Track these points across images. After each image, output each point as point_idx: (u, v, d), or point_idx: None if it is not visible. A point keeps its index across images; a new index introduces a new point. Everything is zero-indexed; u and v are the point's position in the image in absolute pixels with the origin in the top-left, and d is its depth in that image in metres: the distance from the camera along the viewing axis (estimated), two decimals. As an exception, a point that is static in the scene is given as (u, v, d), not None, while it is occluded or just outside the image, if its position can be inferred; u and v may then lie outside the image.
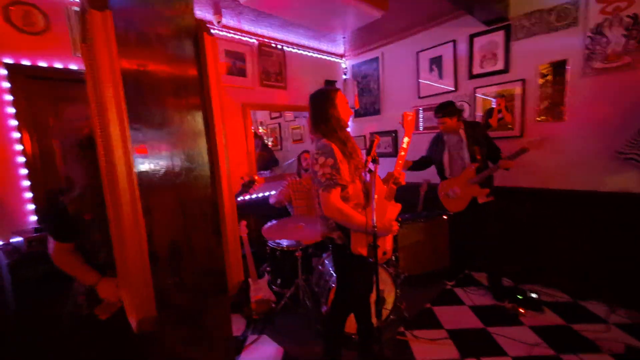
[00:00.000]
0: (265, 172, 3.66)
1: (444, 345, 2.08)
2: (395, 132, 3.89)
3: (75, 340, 1.32)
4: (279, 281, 2.64)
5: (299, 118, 3.98)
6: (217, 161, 0.88)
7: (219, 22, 2.70)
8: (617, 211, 2.36)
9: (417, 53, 3.50)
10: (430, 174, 3.03)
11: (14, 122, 2.03)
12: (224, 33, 3.08)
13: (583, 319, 2.26)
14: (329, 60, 4.17)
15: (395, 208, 1.61)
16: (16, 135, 2.03)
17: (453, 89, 3.25)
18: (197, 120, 0.86)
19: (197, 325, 0.90)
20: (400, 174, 1.60)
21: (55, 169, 2.21)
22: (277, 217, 2.86)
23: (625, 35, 2.22)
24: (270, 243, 2.65)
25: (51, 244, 1.23)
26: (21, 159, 2.06)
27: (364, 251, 1.48)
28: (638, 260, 2.28)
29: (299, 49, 3.76)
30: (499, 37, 2.85)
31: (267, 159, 3.74)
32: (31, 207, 2.10)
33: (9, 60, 2.00)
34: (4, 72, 1.99)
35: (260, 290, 2.49)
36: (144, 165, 0.76)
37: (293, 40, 3.60)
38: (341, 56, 4.30)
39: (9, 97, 2.01)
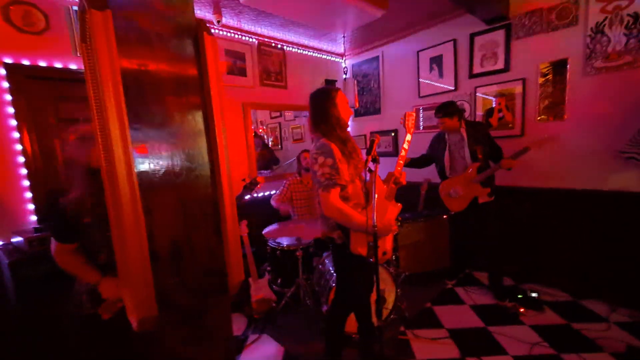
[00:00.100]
0: (266, 171, 3.66)
1: (445, 345, 2.08)
2: (396, 131, 3.89)
3: (77, 339, 1.32)
4: (279, 280, 2.64)
5: (299, 117, 3.97)
6: (217, 161, 0.88)
7: (219, 22, 2.70)
8: (618, 210, 2.35)
9: (418, 52, 3.49)
10: (430, 173, 3.02)
11: (13, 122, 2.03)
12: (224, 32, 3.07)
13: (583, 318, 2.26)
14: (329, 59, 4.17)
15: (395, 208, 1.61)
16: (16, 135, 2.03)
17: (453, 88, 3.25)
18: (197, 119, 0.86)
19: (198, 325, 0.90)
20: (401, 174, 1.60)
21: (55, 169, 2.21)
22: (278, 220, 2.87)
23: (626, 34, 2.22)
24: (271, 243, 2.65)
25: (53, 244, 1.24)
26: (21, 159, 2.06)
27: (363, 251, 1.48)
28: (639, 259, 2.28)
29: (299, 49, 3.76)
30: (499, 36, 2.85)
31: (267, 159, 3.74)
32: (31, 207, 2.10)
33: (8, 60, 2.00)
34: (4, 71, 1.99)
35: (261, 290, 2.49)
36: (144, 165, 0.76)
37: (293, 39, 3.59)
38: (341, 55, 4.30)
39: (8, 97, 2.01)
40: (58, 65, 2.17)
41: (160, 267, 0.79)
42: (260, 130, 3.63)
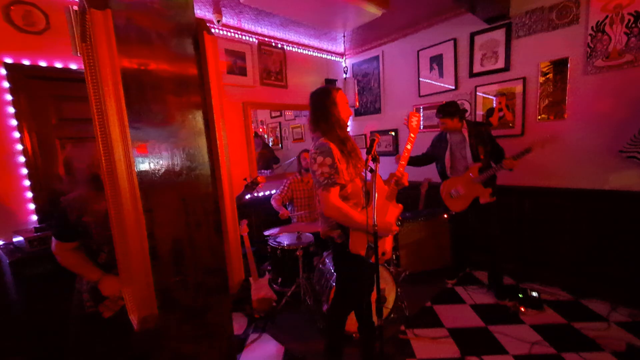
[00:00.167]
0: (266, 171, 3.66)
1: (445, 344, 2.08)
2: (396, 130, 3.88)
3: (79, 337, 1.32)
4: (279, 280, 2.64)
5: (299, 117, 3.97)
6: (217, 160, 0.88)
7: (219, 21, 2.70)
8: (619, 209, 2.35)
9: (418, 51, 3.49)
10: (431, 173, 3.02)
11: (14, 122, 2.03)
12: (224, 32, 3.07)
13: (584, 317, 2.26)
14: (330, 59, 4.17)
15: (396, 209, 1.61)
16: (16, 134, 2.04)
17: (453, 87, 3.25)
18: (198, 119, 0.86)
19: (199, 324, 0.91)
20: (403, 174, 1.59)
21: (56, 169, 2.22)
22: (278, 220, 2.89)
23: (627, 32, 2.21)
24: (271, 242, 2.66)
25: (53, 242, 1.25)
26: (22, 159, 2.06)
27: (362, 251, 1.48)
28: (639, 259, 2.28)
29: (299, 48, 3.75)
30: (499, 35, 2.84)
31: (267, 158, 3.74)
32: (32, 206, 2.10)
33: (9, 60, 2.00)
34: (5, 71, 1.99)
35: (262, 289, 2.49)
36: (145, 164, 0.76)
37: (293, 39, 3.59)
38: (341, 55, 4.29)
39: (9, 97, 2.01)
40: (58, 65, 2.17)
41: (161, 266, 0.79)
42: (261, 130, 3.64)
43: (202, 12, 2.72)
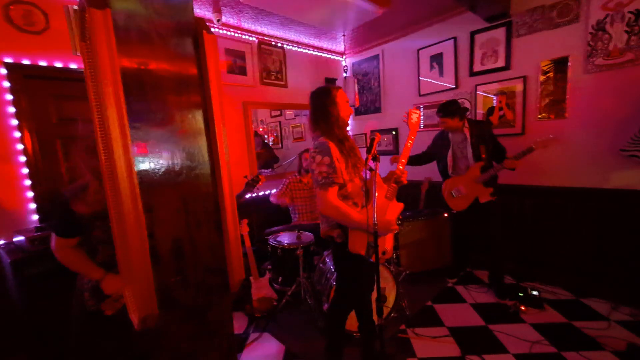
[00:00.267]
0: (266, 170, 3.66)
1: (446, 343, 2.08)
2: (396, 130, 3.88)
3: (80, 336, 1.32)
4: (280, 279, 2.64)
5: (299, 116, 3.97)
6: (217, 159, 0.88)
7: (218, 21, 2.70)
8: (619, 208, 2.35)
9: (418, 50, 3.48)
10: (430, 171, 3.02)
11: (14, 122, 2.03)
12: (224, 31, 3.07)
13: (584, 316, 2.25)
14: (330, 58, 4.16)
15: (396, 207, 1.60)
16: (17, 134, 2.04)
17: (454, 86, 3.24)
18: (197, 118, 0.86)
19: (200, 323, 0.91)
20: (403, 172, 1.59)
21: (57, 168, 2.22)
22: (279, 220, 2.89)
23: (628, 31, 2.21)
24: (272, 241, 2.66)
25: (53, 239, 1.23)
26: (22, 158, 2.06)
27: (362, 250, 1.48)
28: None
29: (299, 47, 3.75)
30: (500, 33, 2.84)
31: (267, 158, 3.73)
32: (33, 206, 2.10)
33: (9, 60, 2.00)
34: (5, 71, 1.99)
35: (262, 289, 2.49)
36: (145, 163, 0.76)
37: (293, 38, 3.59)
38: (341, 54, 4.29)
39: (9, 97, 2.01)
40: (58, 64, 2.17)
41: (162, 265, 0.79)
42: (261, 129, 3.63)
43: (201, 11, 2.72)
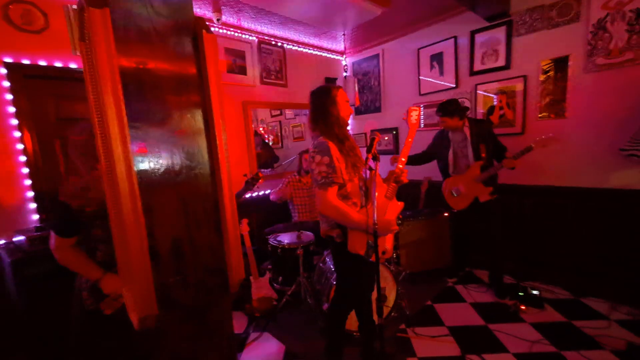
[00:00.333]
0: (266, 170, 3.66)
1: (445, 342, 2.08)
2: (396, 129, 3.88)
3: (80, 335, 1.33)
4: (280, 279, 2.64)
5: (299, 116, 3.97)
6: (217, 159, 0.88)
7: (218, 20, 2.69)
8: (619, 208, 2.35)
9: (418, 50, 3.48)
10: (430, 171, 3.02)
11: (14, 121, 2.03)
12: (224, 31, 3.07)
13: (584, 315, 2.26)
14: (330, 57, 4.16)
15: (396, 207, 1.60)
16: (17, 134, 2.04)
17: (454, 85, 3.24)
18: (197, 118, 0.86)
19: (199, 323, 0.91)
20: (403, 172, 1.59)
21: (56, 168, 2.22)
22: (278, 220, 2.89)
23: (628, 30, 2.20)
24: (272, 241, 2.66)
25: (52, 239, 1.23)
26: (22, 158, 2.06)
27: (361, 250, 1.48)
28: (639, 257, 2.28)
29: (299, 47, 3.75)
30: (500, 33, 2.83)
31: (267, 157, 3.73)
32: (33, 206, 2.10)
33: (8, 59, 2.00)
34: (4, 71, 1.99)
35: (262, 288, 2.49)
36: (144, 163, 0.76)
37: (293, 37, 3.58)
38: (341, 53, 4.28)
39: (9, 96, 2.01)
40: (58, 64, 2.17)
41: (161, 265, 0.79)
42: (261, 129, 3.63)
43: (201, 10, 2.72)
